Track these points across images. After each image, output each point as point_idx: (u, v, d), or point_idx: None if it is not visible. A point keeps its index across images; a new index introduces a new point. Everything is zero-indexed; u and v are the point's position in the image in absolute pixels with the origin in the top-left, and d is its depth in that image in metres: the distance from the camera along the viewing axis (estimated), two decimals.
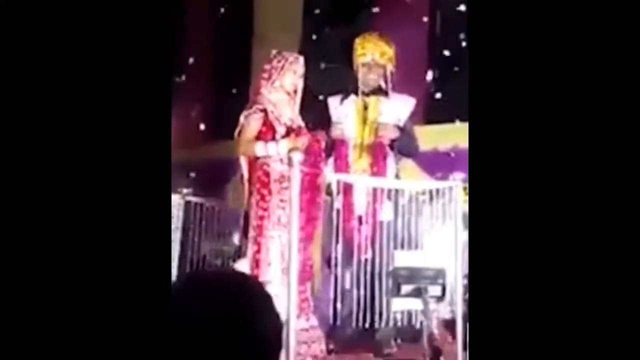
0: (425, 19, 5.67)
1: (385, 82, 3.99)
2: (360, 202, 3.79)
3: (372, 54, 3.93)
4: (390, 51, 3.99)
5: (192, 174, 4.81)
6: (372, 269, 3.59)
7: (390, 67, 3.97)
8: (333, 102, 3.95)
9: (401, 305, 3.54)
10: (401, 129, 3.87)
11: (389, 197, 3.76)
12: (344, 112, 3.91)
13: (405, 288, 3.31)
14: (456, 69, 5.69)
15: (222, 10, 6.58)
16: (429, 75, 5.64)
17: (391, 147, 3.87)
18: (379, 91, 3.97)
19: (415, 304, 3.45)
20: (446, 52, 5.73)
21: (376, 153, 3.84)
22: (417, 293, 3.31)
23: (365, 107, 3.93)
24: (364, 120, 3.90)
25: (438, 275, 3.37)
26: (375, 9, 5.80)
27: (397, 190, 3.77)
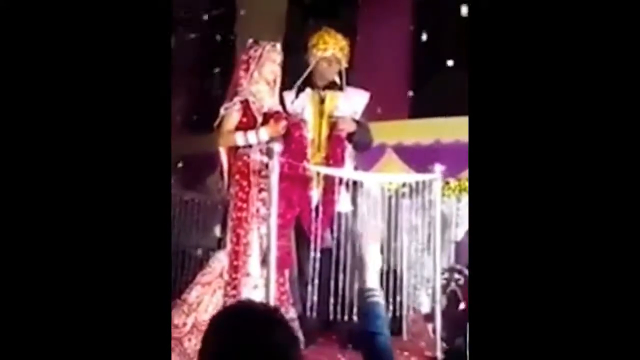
0: (408, 13, 5.68)
1: (340, 77, 4.01)
2: (316, 194, 3.80)
3: (333, 48, 3.97)
4: (347, 47, 4.05)
5: (172, 167, 4.80)
6: (336, 260, 3.59)
7: (344, 63, 4.01)
8: (288, 96, 3.97)
9: None
10: (358, 123, 3.90)
11: (347, 189, 3.78)
12: (299, 105, 3.93)
13: None
14: (440, 63, 5.70)
15: (205, 3, 6.56)
16: (412, 70, 5.64)
17: (349, 140, 3.90)
18: (334, 85, 3.99)
19: None
20: (430, 47, 5.73)
21: (334, 146, 3.87)
22: None
23: (322, 101, 3.95)
24: (321, 114, 3.93)
25: None
26: (359, 2, 5.80)
27: (355, 182, 3.78)
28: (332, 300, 3.54)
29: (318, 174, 3.78)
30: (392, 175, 4.58)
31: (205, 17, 6.48)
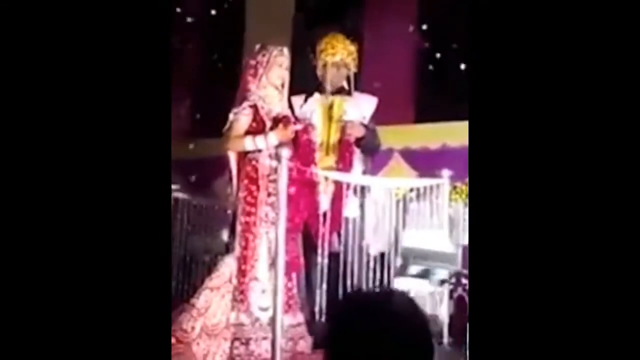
0: (414, 18, 5.69)
1: (348, 82, 4.02)
2: (324, 199, 3.81)
3: (341, 53, 3.99)
4: (355, 52, 4.06)
5: (180, 171, 4.82)
6: (344, 264, 3.60)
7: (353, 68, 4.02)
8: (297, 101, 3.98)
9: (405, 286, 3.37)
10: (366, 127, 3.91)
11: (354, 194, 3.79)
12: (308, 110, 3.94)
13: (414, 268, 3.19)
14: (446, 68, 5.70)
15: (213, 8, 6.58)
16: (418, 74, 5.66)
17: (357, 145, 3.91)
18: (342, 90, 4.01)
19: (420, 285, 3.32)
20: (435, 51, 5.75)
21: (342, 151, 3.90)
22: (425, 274, 3.18)
23: (331, 106, 3.97)
24: (330, 119, 3.94)
25: (447, 259, 3.27)
26: (365, 8, 5.81)
27: (363, 187, 3.78)
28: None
29: (326, 178, 3.79)
30: (399, 179, 4.59)
31: (213, 22, 6.50)
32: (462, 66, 5.25)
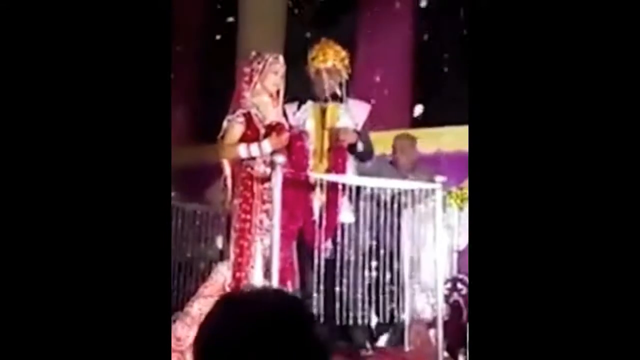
0: (409, 23, 5.71)
1: (341, 88, 4.03)
2: (319, 205, 3.81)
3: (333, 60, 3.99)
4: (347, 58, 4.07)
5: (174, 178, 4.82)
6: (340, 271, 3.60)
7: (345, 74, 4.02)
8: (290, 108, 3.99)
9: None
10: (358, 134, 3.92)
11: (349, 199, 3.79)
12: (302, 117, 3.95)
13: None
14: (441, 73, 5.72)
15: (207, 16, 6.59)
16: (414, 80, 5.67)
17: (350, 151, 3.91)
18: (335, 97, 4.01)
19: None
20: (431, 57, 5.76)
21: (336, 157, 3.90)
22: None
23: (324, 113, 3.97)
24: (323, 126, 3.95)
25: None
26: (360, 14, 5.83)
27: (358, 193, 3.78)
28: (335, 311, 3.54)
29: (321, 185, 3.79)
30: (393, 181, 4.59)
31: (208, 29, 6.51)
32: (458, 71, 5.27)
